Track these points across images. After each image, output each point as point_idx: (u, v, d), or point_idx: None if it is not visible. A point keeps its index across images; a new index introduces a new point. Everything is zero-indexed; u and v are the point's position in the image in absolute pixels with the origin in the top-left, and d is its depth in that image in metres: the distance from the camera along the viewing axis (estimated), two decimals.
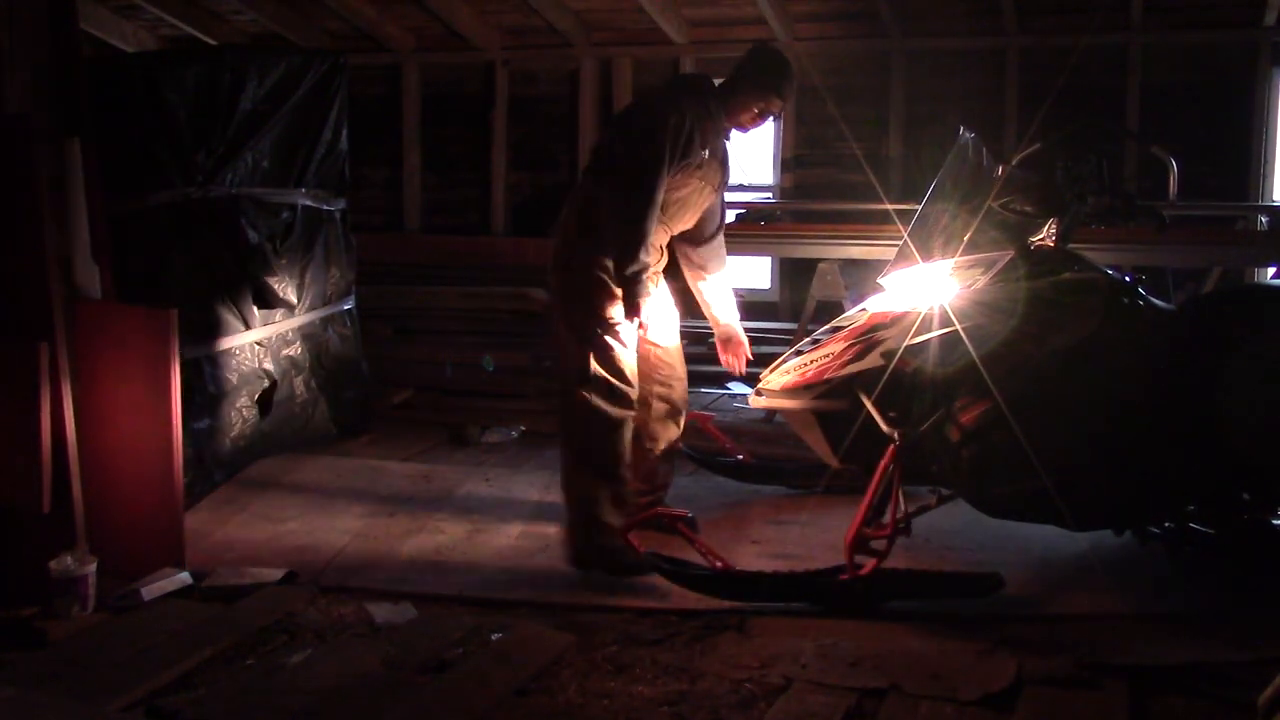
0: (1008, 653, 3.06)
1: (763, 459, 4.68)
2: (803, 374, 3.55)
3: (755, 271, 7.19)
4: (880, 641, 3.17)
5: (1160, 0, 6.00)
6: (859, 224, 5.79)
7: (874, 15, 6.33)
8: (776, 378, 3.65)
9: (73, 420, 3.65)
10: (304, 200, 5.29)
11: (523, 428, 5.60)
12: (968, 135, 3.66)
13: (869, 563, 3.33)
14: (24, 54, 3.62)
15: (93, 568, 3.46)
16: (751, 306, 6.72)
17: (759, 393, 3.73)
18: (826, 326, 3.86)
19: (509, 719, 2.84)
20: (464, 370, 6.14)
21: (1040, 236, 3.53)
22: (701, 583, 3.42)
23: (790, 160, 6.71)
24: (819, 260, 5.65)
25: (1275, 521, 3.46)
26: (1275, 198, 6.12)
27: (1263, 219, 5.90)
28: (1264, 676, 2.64)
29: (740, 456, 4.57)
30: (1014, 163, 3.55)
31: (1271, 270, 5.57)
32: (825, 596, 3.39)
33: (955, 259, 3.51)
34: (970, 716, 2.78)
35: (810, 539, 4.01)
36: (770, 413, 4.55)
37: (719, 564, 3.45)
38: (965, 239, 3.50)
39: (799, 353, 3.70)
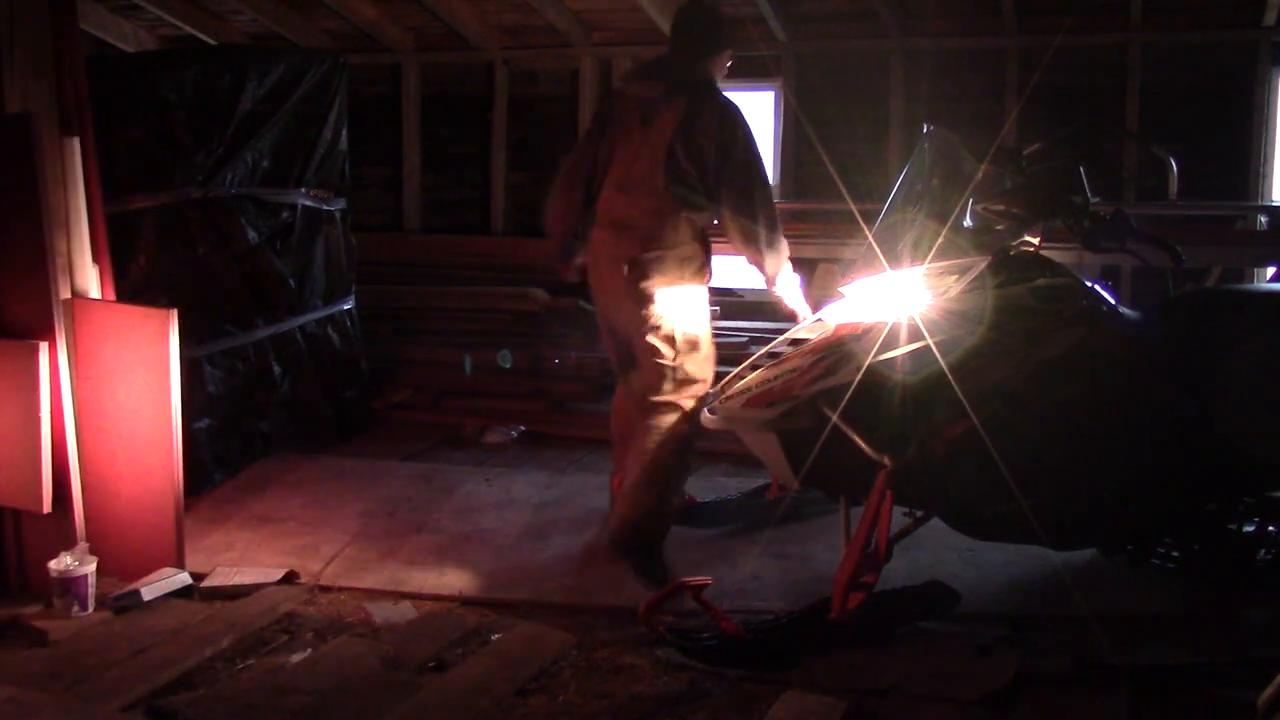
0: (1008, 653, 3.06)
1: (704, 502, 4.28)
2: (766, 390, 3.32)
3: (755, 271, 7.16)
4: (881, 642, 3.17)
5: (1160, 0, 5.99)
6: (858, 224, 5.78)
7: (874, 15, 6.32)
8: (735, 395, 3.41)
9: (73, 420, 3.66)
10: (304, 200, 5.29)
11: (522, 428, 5.60)
12: (934, 131, 3.50)
13: (856, 597, 3.15)
14: (24, 54, 3.62)
15: (93, 568, 3.46)
16: (751, 306, 6.71)
17: (714, 411, 3.52)
18: (782, 338, 3.65)
19: (509, 719, 2.84)
20: (462, 369, 6.12)
21: (1018, 241, 3.34)
22: (712, 653, 3.15)
23: (790, 160, 6.70)
24: (819, 260, 5.64)
25: (1247, 529, 3.42)
26: (1275, 197, 6.12)
27: (1263, 219, 5.90)
28: (1264, 676, 2.64)
29: (683, 498, 4.11)
30: (1025, 162, 3.41)
31: (1271, 270, 5.57)
32: (827, 640, 3.18)
33: (926, 266, 3.31)
34: (970, 716, 2.79)
35: (809, 538, 4.01)
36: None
37: (729, 629, 3.18)
38: (938, 244, 3.30)
39: (756, 368, 3.45)
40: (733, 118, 3.73)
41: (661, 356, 3.73)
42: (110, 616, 3.43)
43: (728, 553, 3.90)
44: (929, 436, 3.14)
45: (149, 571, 3.63)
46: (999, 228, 3.34)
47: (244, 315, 4.94)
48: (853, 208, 6.04)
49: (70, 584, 3.41)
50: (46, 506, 3.55)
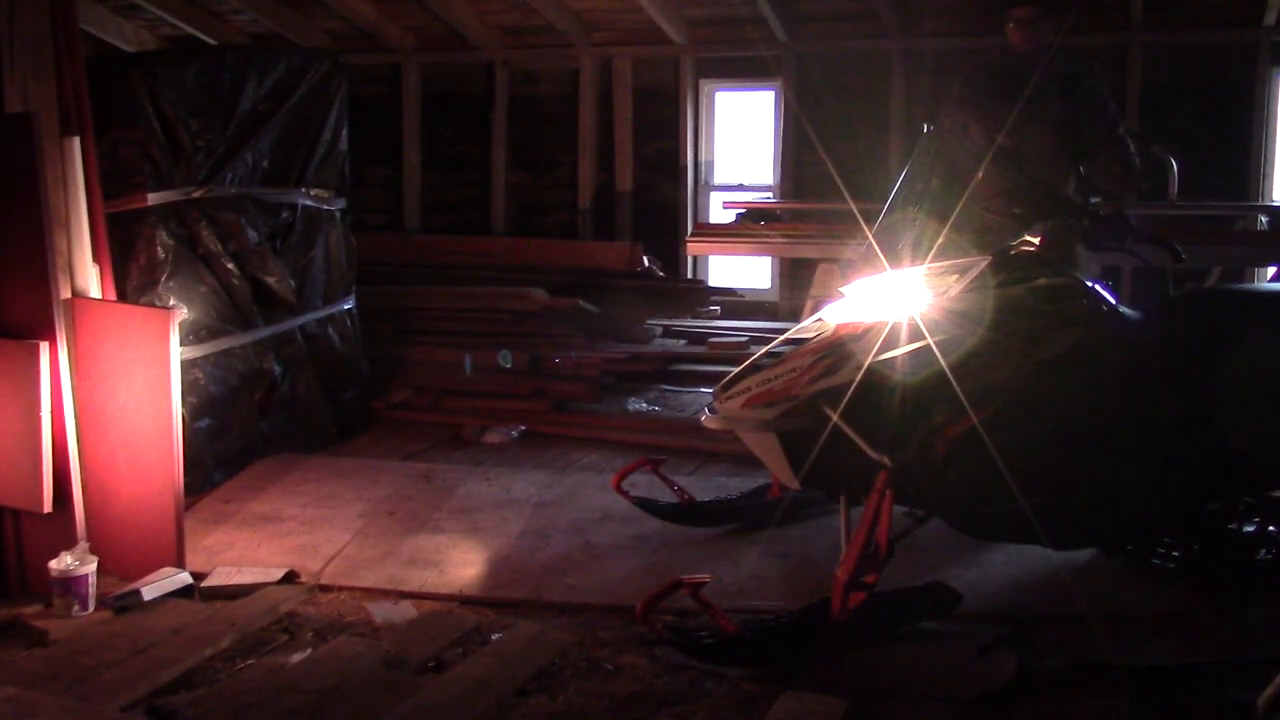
0: (1008, 653, 3.06)
1: (704, 501, 4.24)
2: (766, 390, 3.29)
3: (755, 271, 7.19)
4: (881, 642, 3.17)
5: (1160, 0, 6.00)
6: (859, 224, 5.80)
7: (874, 15, 6.33)
8: (735, 395, 3.37)
9: (73, 420, 3.66)
10: (304, 200, 5.30)
11: (523, 427, 5.60)
12: (934, 131, 3.55)
13: (857, 597, 3.12)
14: (24, 54, 3.62)
15: (93, 568, 3.46)
16: (751, 306, 6.72)
17: (714, 411, 3.47)
18: (781, 339, 3.62)
19: (509, 719, 2.84)
20: (462, 369, 6.13)
21: (1018, 241, 3.33)
22: (711, 653, 3.15)
23: (790, 160, 6.71)
24: (819, 260, 5.65)
25: (1247, 529, 3.43)
26: (1275, 198, 6.13)
27: (1263, 219, 5.91)
28: (1264, 676, 2.64)
29: (683, 498, 4.15)
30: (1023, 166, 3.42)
31: (1271, 270, 5.58)
32: (826, 639, 3.16)
33: (926, 266, 3.31)
34: (970, 716, 2.79)
35: (810, 538, 4.01)
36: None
37: (729, 628, 3.15)
38: (938, 244, 3.32)
39: (756, 368, 3.42)
40: None
41: None
42: (110, 616, 3.43)
43: (728, 552, 3.90)
44: (929, 436, 3.13)
45: (149, 571, 3.63)
46: (995, 227, 3.35)
47: (244, 315, 4.94)
48: (853, 208, 6.07)
49: (70, 584, 3.41)
50: (47, 506, 3.55)
